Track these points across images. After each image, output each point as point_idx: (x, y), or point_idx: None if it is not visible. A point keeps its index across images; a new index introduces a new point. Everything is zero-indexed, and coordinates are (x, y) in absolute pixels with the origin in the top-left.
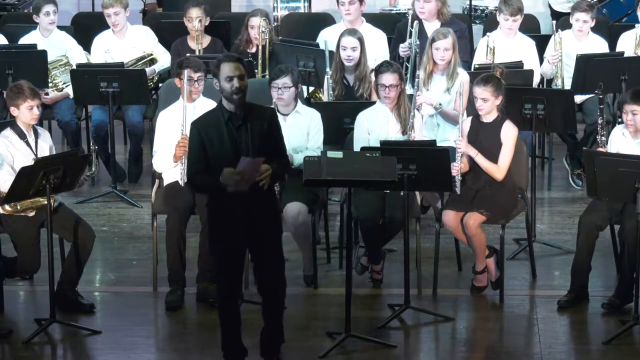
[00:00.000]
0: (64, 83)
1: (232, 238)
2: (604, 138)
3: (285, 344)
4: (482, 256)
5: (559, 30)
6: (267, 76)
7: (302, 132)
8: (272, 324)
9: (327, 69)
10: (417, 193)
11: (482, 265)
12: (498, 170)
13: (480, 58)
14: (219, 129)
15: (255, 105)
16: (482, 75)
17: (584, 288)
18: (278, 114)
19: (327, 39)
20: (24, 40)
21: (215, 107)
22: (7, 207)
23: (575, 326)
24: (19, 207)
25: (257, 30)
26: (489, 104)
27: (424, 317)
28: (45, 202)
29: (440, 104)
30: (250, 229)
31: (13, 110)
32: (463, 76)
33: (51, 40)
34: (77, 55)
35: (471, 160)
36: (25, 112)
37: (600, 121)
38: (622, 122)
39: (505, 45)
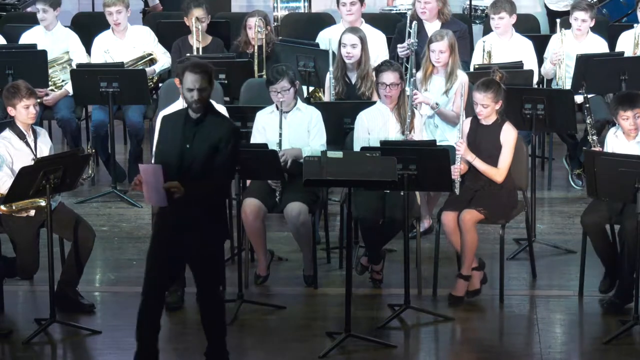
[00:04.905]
0: (62, 81)
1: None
2: (594, 137)
3: (286, 343)
4: (471, 259)
5: (563, 28)
6: (264, 76)
7: (302, 129)
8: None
9: (330, 68)
10: (417, 193)
11: (469, 270)
12: (498, 172)
13: (477, 60)
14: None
15: (219, 116)
16: (482, 81)
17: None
18: (278, 111)
19: (327, 39)
20: (27, 34)
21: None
22: (2, 207)
23: (575, 326)
24: (14, 207)
25: (254, 31)
26: (488, 110)
27: (424, 317)
28: (43, 204)
29: (437, 104)
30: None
31: (10, 110)
32: (462, 78)
33: (55, 34)
34: (78, 52)
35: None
36: (22, 111)
37: (588, 121)
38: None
39: (502, 46)
